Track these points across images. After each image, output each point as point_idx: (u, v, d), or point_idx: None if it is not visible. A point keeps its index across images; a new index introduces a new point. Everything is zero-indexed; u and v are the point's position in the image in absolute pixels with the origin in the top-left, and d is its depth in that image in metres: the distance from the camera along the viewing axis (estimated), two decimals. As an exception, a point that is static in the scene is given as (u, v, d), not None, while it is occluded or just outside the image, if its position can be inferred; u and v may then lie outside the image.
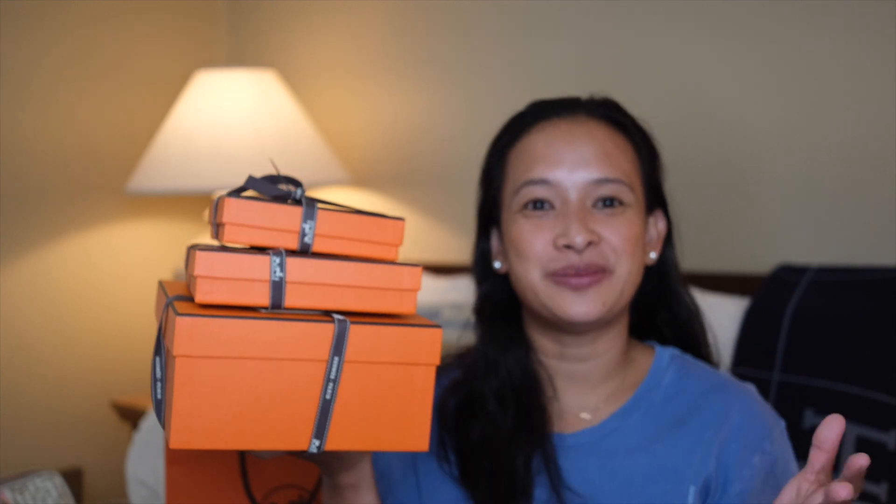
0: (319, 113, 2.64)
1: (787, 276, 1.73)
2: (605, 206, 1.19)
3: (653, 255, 1.26)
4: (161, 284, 1.06)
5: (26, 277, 2.47)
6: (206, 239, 2.40)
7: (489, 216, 1.29)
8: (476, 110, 2.38)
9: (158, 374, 0.93)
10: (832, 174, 1.87)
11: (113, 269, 2.62)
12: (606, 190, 1.19)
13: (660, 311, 1.30)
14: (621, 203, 1.20)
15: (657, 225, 1.27)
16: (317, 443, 0.92)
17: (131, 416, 2.43)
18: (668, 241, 1.29)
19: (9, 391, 2.44)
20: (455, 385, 1.26)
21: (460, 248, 2.31)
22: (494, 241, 1.29)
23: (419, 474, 1.23)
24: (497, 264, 1.28)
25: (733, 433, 1.18)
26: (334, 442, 0.93)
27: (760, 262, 1.91)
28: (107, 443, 2.59)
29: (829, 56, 1.87)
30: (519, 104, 2.37)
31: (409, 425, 0.95)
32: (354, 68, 2.61)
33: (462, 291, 1.84)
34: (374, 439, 0.94)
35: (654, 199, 1.26)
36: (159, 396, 0.93)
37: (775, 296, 1.70)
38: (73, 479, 2.46)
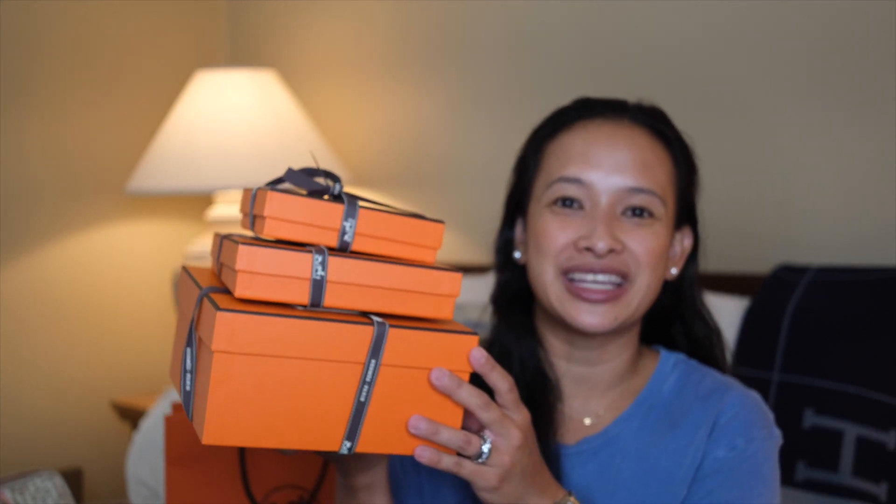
0: (319, 113, 2.64)
1: (787, 276, 1.73)
2: (633, 215, 1.18)
3: (674, 271, 1.25)
4: (187, 270, 1.06)
5: (26, 277, 2.47)
6: (206, 239, 2.40)
7: (517, 205, 1.27)
8: (476, 111, 2.38)
9: (188, 366, 0.92)
10: (832, 174, 1.87)
11: (113, 269, 2.62)
12: (638, 200, 1.18)
13: (675, 325, 1.29)
14: (651, 215, 1.18)
15: (683, 241, 1.26)
16: (348, 444, 0.91)
17: (131, 416, 2.43)
18: (692, 257, 1.27)
19: (9, 391, 2.44)
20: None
21: (460, 248, 2.31)
22: (518, 231, 1.27)
23: (423, 477, 1.22)
24: (517, 254, 1.27)
25: (716, 431, 1.17)
26: (365, 444, 0.92)
27: (760, 262, 1.91)
28: (107, 443, 2.59)
29: (832, 53, 1.87)
30: (519, 105, 2.36)
31: None
32: (354, 68, 2.61)
33: (463, 292, 1.84)
34: (405, 443, 0.93)
35: (685, 214, 1.25)
36: (188, 388, 0.92)
37: (775, 296, 1.70)
38: (73, 479, 2.46)
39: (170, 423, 1.36)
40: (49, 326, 2.52)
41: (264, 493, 1.37)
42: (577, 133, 1.21)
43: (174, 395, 2.09)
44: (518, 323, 1.26)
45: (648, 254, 1.17)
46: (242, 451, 1.36)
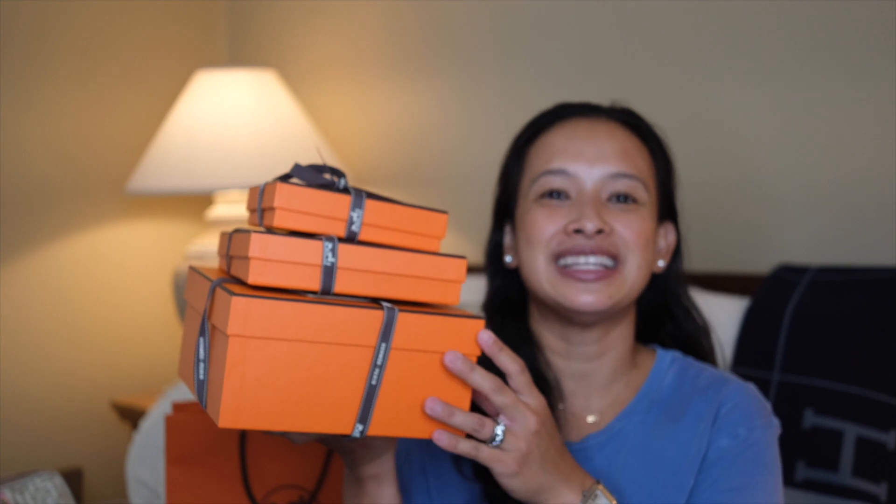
0: (319, 113, 2.64)
1: (787, 276, 1.73)
2: (618, 201, 1.21)
3: (661, 264, 1.28)
4: (195, 269, 1.08)
5: (26, 277, 2.47)
6: (206, 239, 2.40)
7: (504, 211, 1.30)
8: (475, 111, 2.38)
9: (202, 355, 0.94)
10: (832, 174, 1.87)
11: (113, 269, 2.62)
12: (622, 185, 1.21)
13: (665, 324, 1.30)
14: (635, 201, 1.22)
15: (667, 236, 1.28)
16: (360, 427, 0.93)
17: (131, 416, 2.43)
18: (676, 253, 1.30)
19: (9, 391, 2.44)
20: None
21: (460, 248, 2.31)
22: (507, 237, 1.30)
23: (429, 477, 1.23)
24: (508, 258, 1.29)
25: (719, 421, 1.19)
26: (377, 427, 0.94)
27: (760, 262, 1.91)
28: (107, 443, 2.59)
29: (828, 58, 1.87)
30: (518, 105, 2.37)
31: None
32: (354, 68, 2.61)
33: (463, 291, 1.84)
34: (415, 426, 0.96)
35: (666, 209, 1.28)
36: (202, 377, 0.94)
37: (775, 296, 1.70)
38: (73, 479, 2.46)
39: (170, 423, 1.36)
40: (49, 326, 2.52)
41: (264, 493, 1.37)
42: (556, 132, 1.25)
43: (174, 395, 2.09)
44: (512, 329, 1.27)
45: (636, 235, 1.20)
46: (243, 452, 1.37)
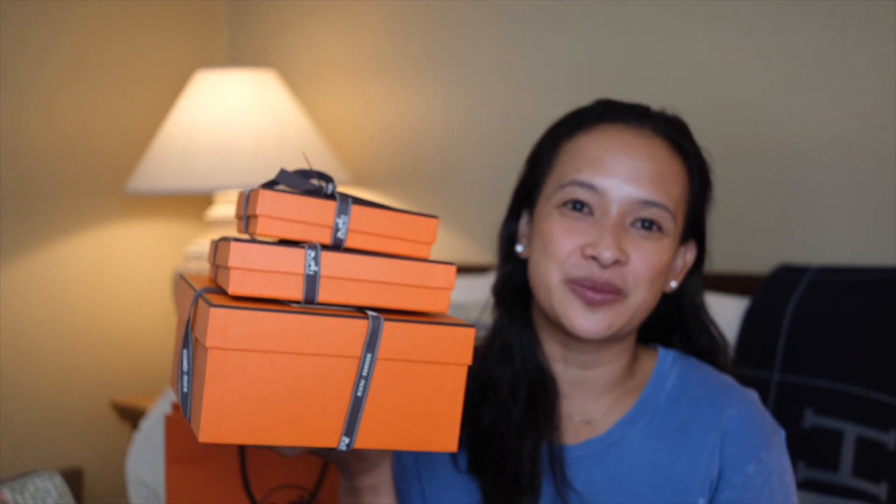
0: (319, 113, 2.64)
1: (787, 276, 1.73)
2: (642, 227, 1.17)
3: (673, 284, 1.24)
4: (183, 277, 1.06)
5: (26, 277, 2.47)
6: (206, 239, 2.40)
7: (525, 198, 1.26)
8: (475, 110, 2.38)
9: (185, 367, 0.92)
10: (832, 174, 1.87)
11: (113, 269, 2.62)
12: (649, 213, 1.17)
13: (677, 334, 1.28)
14: (660, 229, 1.17)
15: (686, 255, 1.25)
16: (346, 440, 0.91)
17: (131, 416, 2.43)
18: (694, 270, 1.26)
19: (9, 391, 2.44)
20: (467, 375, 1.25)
21: (460, 249, 2.31)
22: (523, 224, 1.26)
23: (423, 482, 1.22)
24: (519, 248, 1.26)
25: (730, 437, 1.17)
26: (364, 440, 0.92)
27: (760, 262, 1.91)
28: (107, 443, 2.59)
29: (828, 53, 1.87)
30: (519, 104, 2.36)
31: (439, 425, 0.94)
32: (354, 68, 2.61)
33: (462, 291, 1.84)
34: (403, 438, 0.93)
35: (692, 229, 1.24)
36: (185, 389, 0.92)
37: (775, 296, 1.70)
38: (73, 479, 2.46)
39: (170, 422, 1.36)
40: (49, 326, 2.52)
41: (264, 493, 1.37)
42: (595, 136, 1.20)
43: (174, 396, 2.09)
44: (519, 317, 1.25)
45: (650, 269, 1.17)
46: (242, 451, 1.37)
